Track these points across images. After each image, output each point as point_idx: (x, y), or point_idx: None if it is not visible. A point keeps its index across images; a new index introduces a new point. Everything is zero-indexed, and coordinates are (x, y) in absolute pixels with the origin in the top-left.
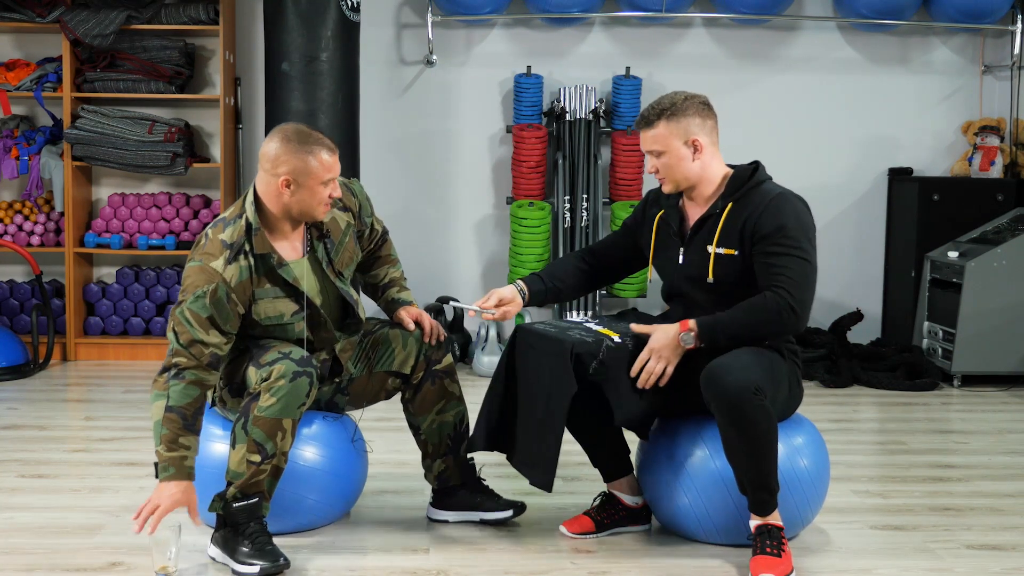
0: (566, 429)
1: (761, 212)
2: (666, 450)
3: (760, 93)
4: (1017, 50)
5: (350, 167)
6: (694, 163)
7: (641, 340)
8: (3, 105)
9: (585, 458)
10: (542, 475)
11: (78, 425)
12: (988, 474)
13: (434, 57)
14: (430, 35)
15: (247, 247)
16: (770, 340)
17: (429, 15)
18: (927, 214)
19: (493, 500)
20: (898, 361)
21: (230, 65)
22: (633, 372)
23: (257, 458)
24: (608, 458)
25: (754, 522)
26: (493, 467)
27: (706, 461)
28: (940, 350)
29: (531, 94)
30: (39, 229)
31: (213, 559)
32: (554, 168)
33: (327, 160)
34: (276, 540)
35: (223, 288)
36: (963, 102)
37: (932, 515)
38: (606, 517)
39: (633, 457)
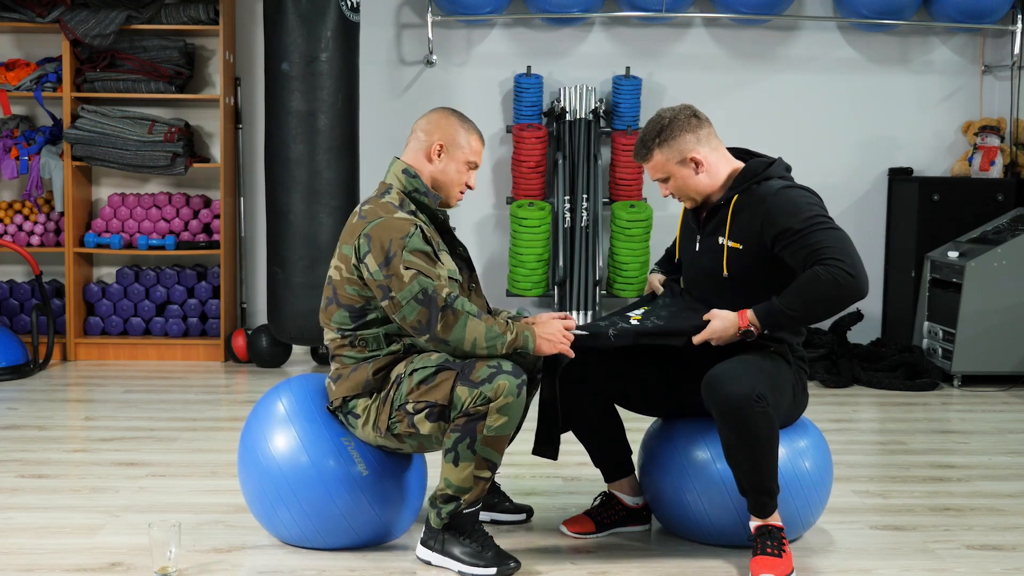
0: (570, 430)
1: (768, 210)
2: (667, 451)
3: (760, 93)
4: (1017, 50)
5: (350, 167)
6: (700, 176)
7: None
8: (3, 105)
9: (585, 458)
10: (547, 448)
11: (78, 425)
12: (988, 474)
13: (434, 57)
14: (430, 35)
15: (412, 206)
16: (835, 313)
17: (429, 15)
18: (927, 214)
19: (507, 501)
20: (898, 361)
21: (230, 65)
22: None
23: (487, 473)
24: (609, 458)
25: (754, 523)
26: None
27: (707, 462)
28: (940, 350)
29: (531, 94)
30: (39, 229)
31: (428, 563)
32: (554, 168)
33: (476, 145)
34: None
35: (423, 227)
36: (963, 102)
37: (932, 515)
38: (606, 517)
39: (634, 457)
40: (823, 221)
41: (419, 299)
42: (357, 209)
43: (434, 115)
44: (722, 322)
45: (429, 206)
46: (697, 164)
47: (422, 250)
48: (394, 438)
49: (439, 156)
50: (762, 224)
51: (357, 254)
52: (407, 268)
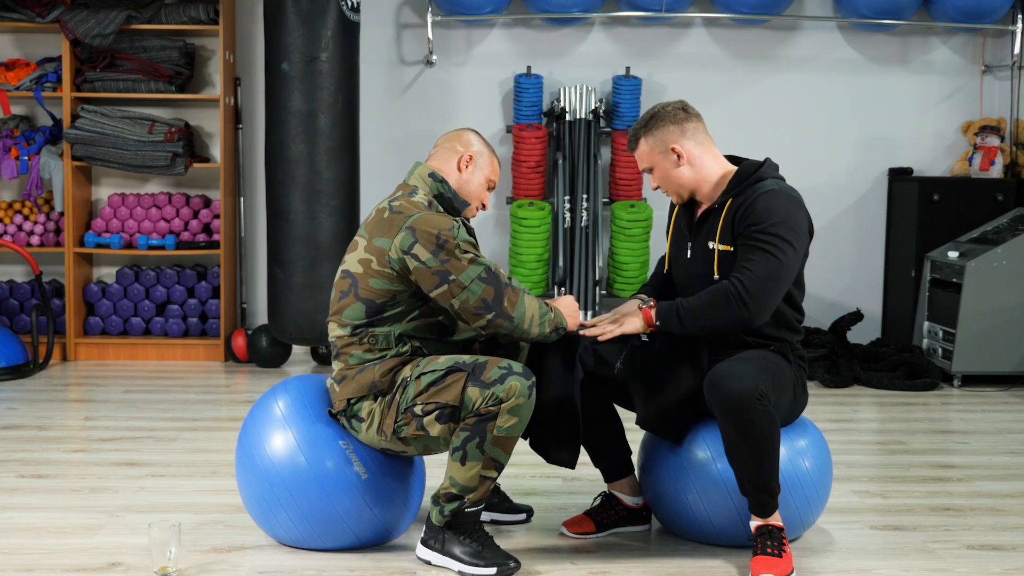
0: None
1: (750, 205)
2: (668, 450)
3: (760, 93)
4: (1017, 50)
5: (350, 167)
6: (682, 169)
7: (671, 341)
8: (3, 105)
9: (585, 458)
10: (563, 454)
11: (78, 425)
12: (988, 474)
13: (434, 57)
14: (430, 35)
15: (440, 208)
16: (721, 330)
17: (429, 15)
18: (927, 214)
19: (507, 501)
20: (898, 361)
21: (230, 65)
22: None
23: (494, 473)
24: (609, 458)
25: (755, 523)
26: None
27: (708, 462)
28: (940, 350)
29: (531, 94)
30: (39, 229)
31: (428, 562)
32: (554, 168)
33: (496, 166)
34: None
35: (464, 222)
36: (963, 102)
37: (932, 515)
38: (606, 517)
39: (634, 458)
40: (776, 244)
41: (483, 278)
42: (385, 205)
43: (461, 132)
44: (627, 306)
45: (458, 210)
46: (679, 156)
47: (469, 241)
48: (400, 441)
49: (467, 167)
50: (743, 216)
51: (401, 247)
52: (464, 252)
